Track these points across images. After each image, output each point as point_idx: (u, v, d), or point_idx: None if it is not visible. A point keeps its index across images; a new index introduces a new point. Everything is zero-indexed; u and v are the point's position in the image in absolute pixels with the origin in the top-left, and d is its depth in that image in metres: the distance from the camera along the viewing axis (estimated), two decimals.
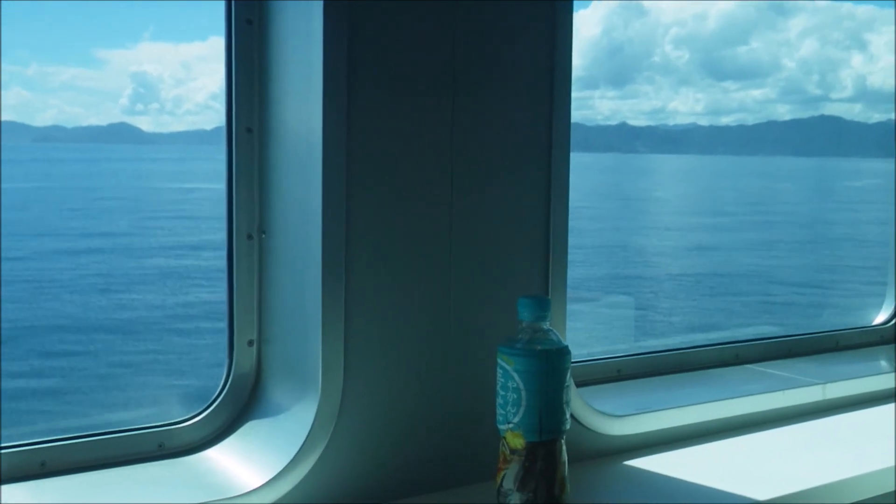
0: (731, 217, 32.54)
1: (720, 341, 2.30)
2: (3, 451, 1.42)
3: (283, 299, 1.56)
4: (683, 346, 2.25)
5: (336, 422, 1.46)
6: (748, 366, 2.27)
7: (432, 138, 1.54)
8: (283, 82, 1.53)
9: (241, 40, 1.55)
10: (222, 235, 1.60)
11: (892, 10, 2.75)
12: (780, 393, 2.04)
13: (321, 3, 1.42)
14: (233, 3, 1.55)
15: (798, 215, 33.76)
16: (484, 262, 1.60)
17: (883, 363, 2.43)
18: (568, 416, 1.42)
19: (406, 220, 1.52)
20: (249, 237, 1.58)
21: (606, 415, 1.76)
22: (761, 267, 21.95)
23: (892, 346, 2.52)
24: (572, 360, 1.44)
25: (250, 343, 1.59)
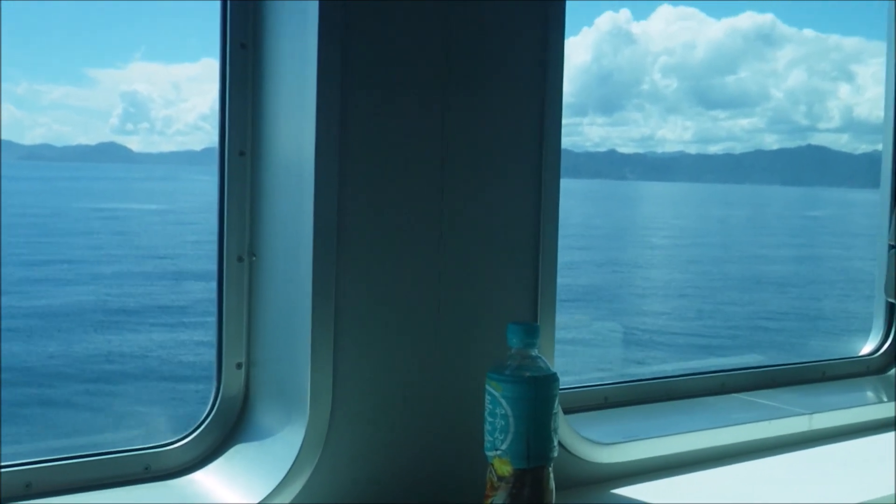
0: (646, 252, 31.40)
1: (707, 370, 2.31)
2: None
3: (272, 322, 1.56)
4: (670, 374, 2.26)
5: (324, 446, 1.46)
6: (735, 395, 2.28)
7: (424, 162, 1.55)
8: (276, 105, 1.54)
9: (235, 64, 1.57)
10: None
11: (879, 43, 2.78)
12: (767, 423, 2.05)
13: (316, 26, 1.43)
14: (227, 27, 1.57)
15: (713, 248, 32.50)
16: (473, 287, 1.61)
17: (869, 394, 2.44)
18: (556, 443, 1.42)
19: (396, 245, 1.53)
20: (240, 259, 1.58)
21: (594, 442, 1.76)
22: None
23: (879, 376, 2.53)
24: (560, 388, 1.45)
25: (238, 366, 1.59)
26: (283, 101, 1.53)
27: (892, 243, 2.13)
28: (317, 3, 1.43)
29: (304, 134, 1.46)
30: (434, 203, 1.56)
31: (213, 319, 1.60)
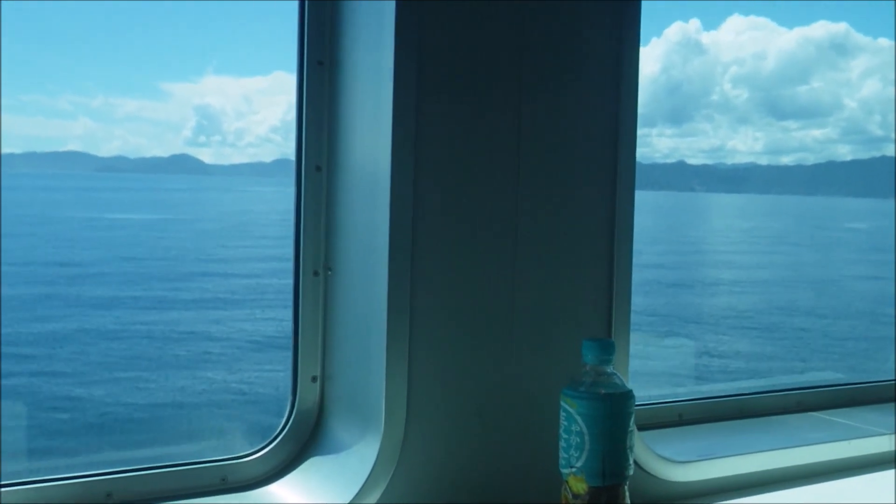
0: None
1: (782, 387, 2.27)
2: (70, 480, 1.45)
3: (347, 336, 1.57)
4: (745, 391, 2.22)
5: (398, 460, 1.47)
6: (812, 413, 2.22)
7: (499, 176, 1.55)
8: (352, 120, 1.56)
9: (312, 81, 1.59)
10: None
11: None
12: (847, 442, 2.00)
13: (392, 43, 1.44)
14: (305, 45, 1.59)
15: (692, 268, 29.23)
16: (547, 301, 1.60)
17: None
18: (631, 461, 1.40)
19: (470, 259, 1.53)
20: (316, 273, 1.60)
21: (669, 460, 1.73)
22: None
23: None
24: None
25: (314, 379, 1.60)
26: (359, 117, 1.54)
27: None
28: (393, 20, 1.44)
29: (380, 149, 1.47)
30: (509, 217, 1.55)
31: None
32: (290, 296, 1.61)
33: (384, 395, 1.45)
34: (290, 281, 1.61)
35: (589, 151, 1.63)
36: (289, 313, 1.62)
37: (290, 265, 1.61)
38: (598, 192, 1.64)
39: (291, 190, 1.61)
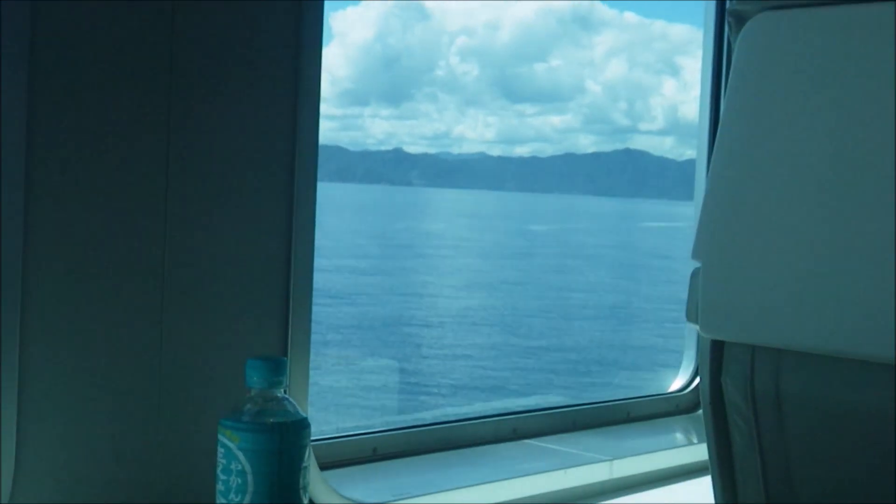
0: None
1: (496, 412, 2.38)
2: None
3: None
4: (452, 419, 2.31)
5: None
6: (527, 441, 2.35)
7: (145, 164, 1.52)
8: None
9: None
10: None
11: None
12: (563, 471, 2.13)
13: None
14: None
15: None
16: (206, 316, 1.59)
17: (678, 435, 2.59)
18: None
19: (104, 259, 1.49)
20: None
21: (358, 503, 1.78)
22: None
23: (689, 415, 2.68)
24: (318, 438, 1.45)
25: None
26: None
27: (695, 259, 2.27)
28: None
29: None
30: (154, 211, 1.52)
31: None
32: None
33: None
34: None
35: (259, 137, 1.64)
36: None
37: None
38: (269, 185, 1.65)
39: None
